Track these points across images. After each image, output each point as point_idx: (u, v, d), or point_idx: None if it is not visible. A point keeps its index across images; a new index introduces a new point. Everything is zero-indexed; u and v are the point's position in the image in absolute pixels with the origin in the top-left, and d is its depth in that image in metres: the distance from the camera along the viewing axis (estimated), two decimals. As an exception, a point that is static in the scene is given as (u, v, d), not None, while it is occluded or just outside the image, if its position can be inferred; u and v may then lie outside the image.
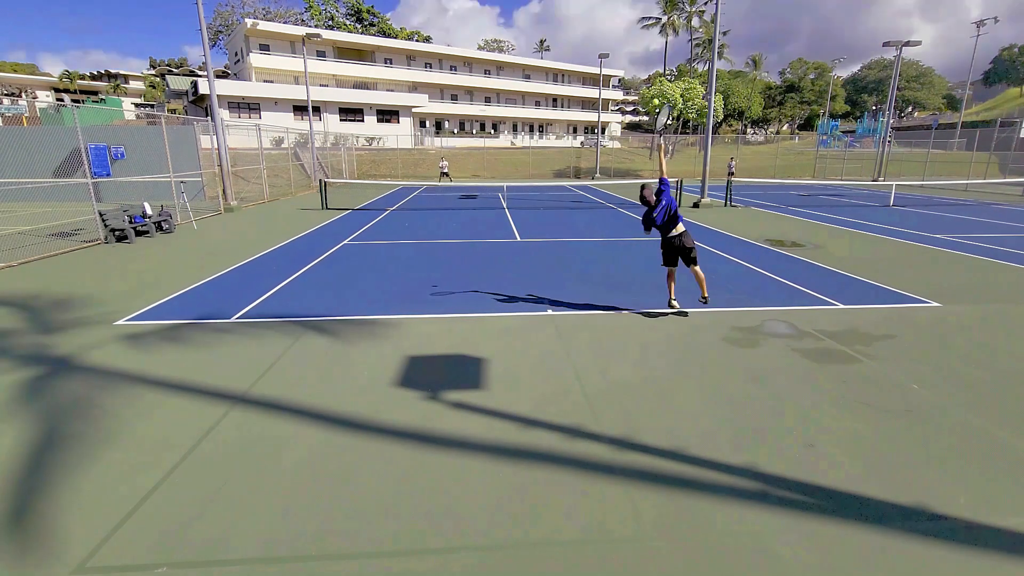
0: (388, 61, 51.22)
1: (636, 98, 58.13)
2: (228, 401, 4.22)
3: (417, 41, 63.04)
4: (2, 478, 3.26)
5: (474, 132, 56.56)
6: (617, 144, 57.36)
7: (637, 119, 71.49)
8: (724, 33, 52.84)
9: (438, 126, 54.86)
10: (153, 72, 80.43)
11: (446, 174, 27.67)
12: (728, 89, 62.09)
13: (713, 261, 9.62)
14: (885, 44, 29.23)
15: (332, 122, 42.32)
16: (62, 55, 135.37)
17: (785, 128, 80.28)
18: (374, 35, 58.52)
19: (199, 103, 41.80)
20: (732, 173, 24.91)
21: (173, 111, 48.92)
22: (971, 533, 2.77)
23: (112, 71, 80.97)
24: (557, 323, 6.12)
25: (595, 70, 56.49)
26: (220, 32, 57.80)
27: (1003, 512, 2.93)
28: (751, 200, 21.18)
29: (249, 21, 41.94)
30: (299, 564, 2.58)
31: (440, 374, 4.75)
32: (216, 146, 17.40)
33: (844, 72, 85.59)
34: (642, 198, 6.30)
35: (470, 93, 56.80)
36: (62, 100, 66.79)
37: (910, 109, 77.71)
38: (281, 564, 2.58)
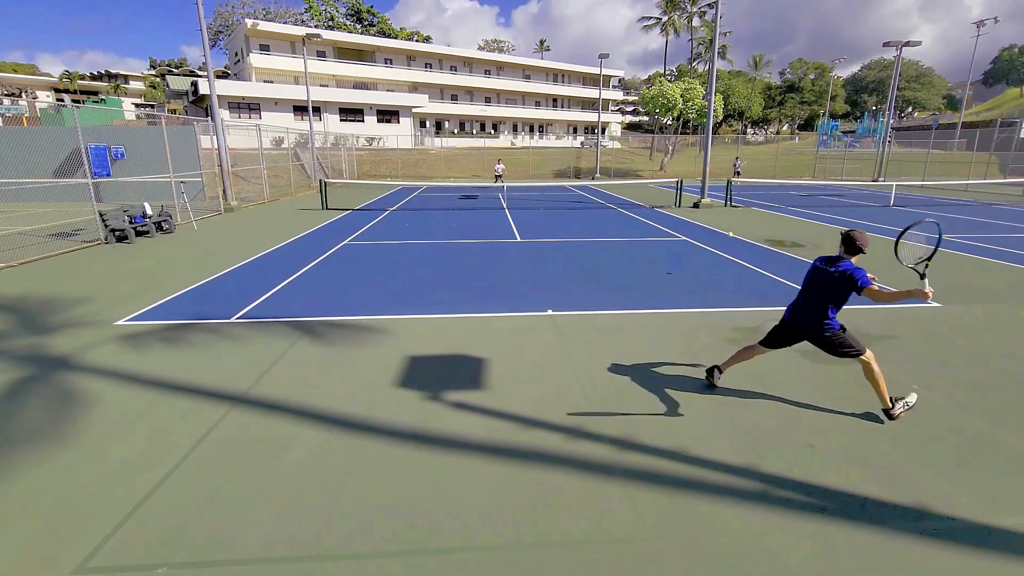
0: (388, 61, 51.22)
1: (636, 98, 58.10)
2: (228, 401, 4.22)
3: (417, 41, 63.05)
4: (2, 478, 3.26)
5: (474, 132, 56.54)
6: (617, 144, 57.36)
7: (637, 119, 71.49)
8: (725, 34, 52.88)
9: (438, 126, 54.85)
10: (153, 72, 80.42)
11: (499, 176, 27.12)
12: (728, 89, 62.12)
13: (714, 261, 9.62)
14: (885, 44, 29.24)
15: (332, 122, 42.32)
16: (60, 55, 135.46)
17: (785, 128, 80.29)
18: (374, 35, 58.52)
19: (199, 103, 41.81)
20: (739, 173, 24.69)
21: (173, 111, 48.93)
22: (971, 533, 2.77)
23: (112, 71, 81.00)
24: (557, 323, 6.12)
25: (595, 70, 56.49)
26: (220, 32, 57.80)
27: (1003, 512, 2.93)
28: (751, 200, 21.18)
29: (249, 21, 41.94)
30: (299, 564, 2.58)
31: (440, 374, 4.74)
32: (216, 146, 17.40)
33: (844, 72, 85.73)
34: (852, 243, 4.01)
35: (470, 93, 56.80)
36: (62, 100, 66.78)
37: (910, 109, 77.73)
38: (281, 564, 2.58)
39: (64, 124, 26.14)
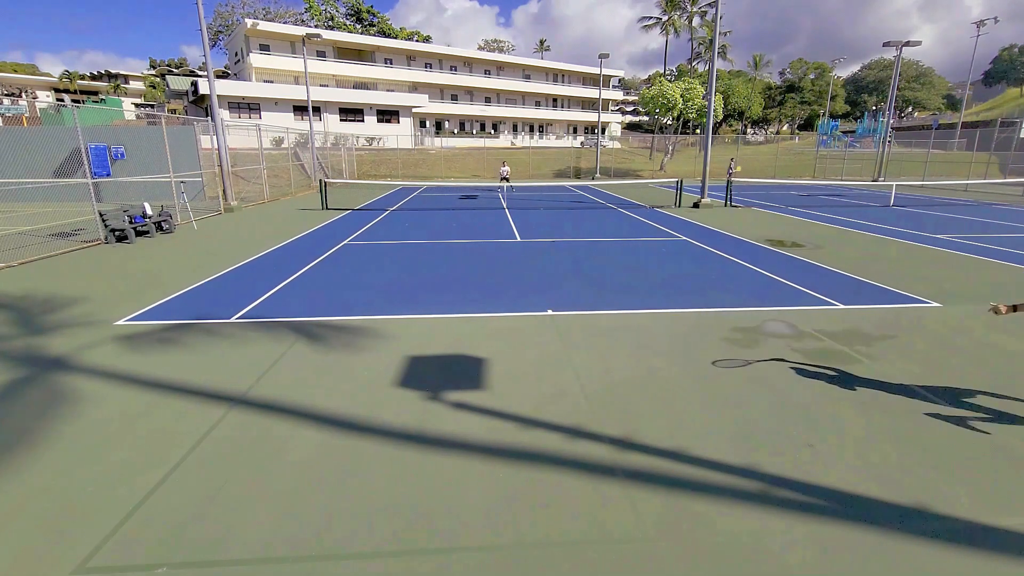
0: (388, 61, 51.22)
1: (636, 98, 58.11)
2: (228, 401, 4.22)
3: (417, 41, 63.05)
4: (2, 478, 3.26)
5: (474, 132, 56.54)
6: (617, 144, 57.36)
7: (637, 119, 71.50)
8: (725, 33, 52.85)
9: (438, 126, 54.85)
10: (153, 72, 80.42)
11: (506, 179, 25.29)
12: (728, 89, 62.10)
13: (714, 261, 9.62)
14: (885, 44, 29.23)
15: (332, 122, 42.32)
16: (60, 55, 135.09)
17: (785, 128, 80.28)
18: (374, 35, 58.53)
19: (199, 103, 41.80)
20: (731, 172, 24.86)
21: (173, 111, 48.92)
22: (971, 533, 2.77)
23: (112, 71, 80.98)
24: (557, 323, 6.12)
25: (595, 70, 56.49)
26: (220, 32, 57.81)
27: (1003, 512, 2.93)
28: (751, 200, 21.18)
29: (249, 21, 41.93)
30: (299, 564, 2.58)
31: (440, 374, 4.75)
32: (216, 146, 17.40)
33: (844, 72, 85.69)
34: None
35: (470, 93, 56.80)
36: (62, 100, 66.80)
37: (910, 109, 77.70)
38: (281, 564, 2.58)
39: (64, 124, 26.14)
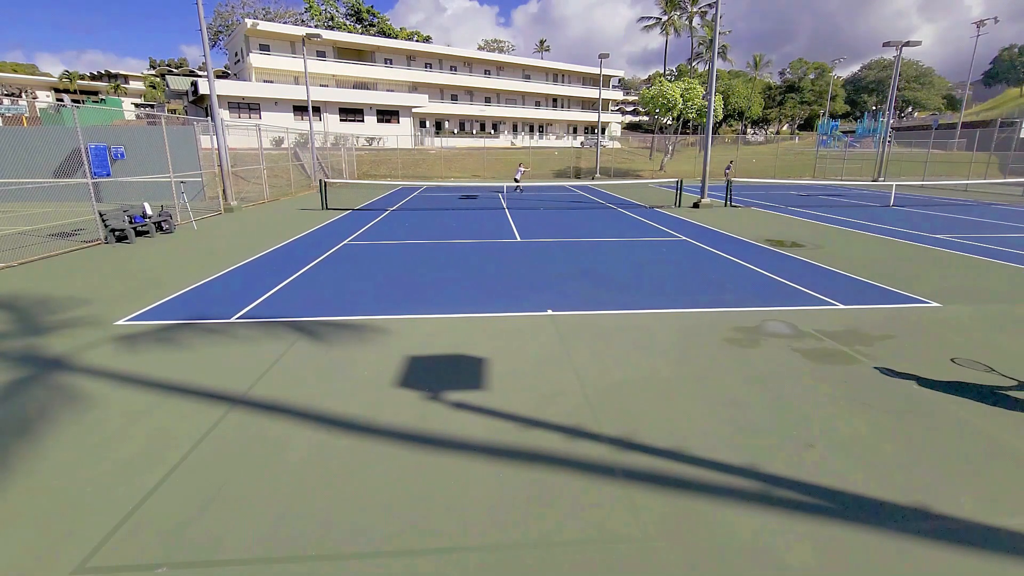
0: (388, 61, 51.22)
1: (636, 98, 58.14)
2: (228, 401, 4.22)
3: (417, 41, 63.07)
4: (2, 478, 3.26)
5: (474, 132, 56.55)
6: (617, 144, 57.35)
7: (637, 119, 71.54)
8: (724, 33, 52.85)
9: (438, 126, 54.86)
10: (153, 72, 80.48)
11: (517, 180, 24.70)
12: (728, 89, 62.16)
13: (713, 261, 9.62)
14: (885, 44, 29.25)
15: (332, 122, 42.32)
16: (59, 55, 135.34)
17: (785, 128, 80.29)
18: (374, 35, 58.54)
19: (199, 103, 41.80)
20: (728, 172, 24.93)
21: (173, 111, 48.91)
22: (971, 533, 2.77)
23: (112, 71, 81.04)
24: (557, 323, 6.12)
25: (595, 70, 56.51)
26: (220, 32, 57.82)
27: (1004, 513, 2.93)
28: (751, 200, 21.18)
29: (249, 21, 41.93)
30: (299, 564, 2.58)
31: (440, 374, 4.74)
32: (216, 146, 17.39)
33: (844, 72, 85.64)
34: None
35: (470, 93, 56.80)
36: (62, 100, 66.83)
37: (910, 109, 77.70)
38: (281, 564, 2.58)
39: (64, 124, 26.13)
